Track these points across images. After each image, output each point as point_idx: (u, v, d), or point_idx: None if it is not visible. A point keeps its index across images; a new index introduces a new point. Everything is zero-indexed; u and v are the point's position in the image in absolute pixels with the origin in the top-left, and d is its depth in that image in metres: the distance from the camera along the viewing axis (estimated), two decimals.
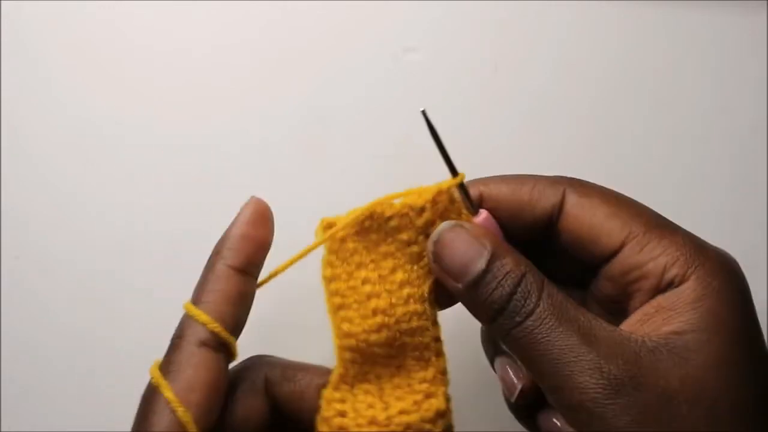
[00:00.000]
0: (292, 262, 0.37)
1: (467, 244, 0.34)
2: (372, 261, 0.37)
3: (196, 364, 0.34)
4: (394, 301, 0.36)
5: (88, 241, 0.48)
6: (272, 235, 0.37)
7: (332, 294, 0.37)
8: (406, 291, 0.36)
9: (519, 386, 0.36)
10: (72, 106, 0.49)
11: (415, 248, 0.36)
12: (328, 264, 0.37)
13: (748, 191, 0.50)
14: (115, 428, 0.42)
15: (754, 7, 0.50)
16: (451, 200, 0.37)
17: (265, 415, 0.37)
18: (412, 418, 0.36)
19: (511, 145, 0.50)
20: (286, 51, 0.50)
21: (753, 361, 0.31)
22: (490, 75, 0.50)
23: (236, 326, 0.36)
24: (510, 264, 0.33)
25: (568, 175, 0.37)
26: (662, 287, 0.33)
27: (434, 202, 0.36)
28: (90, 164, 0.49)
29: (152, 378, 0.35)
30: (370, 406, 0.37)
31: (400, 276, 0.36)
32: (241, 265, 0.36)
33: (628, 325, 0.33)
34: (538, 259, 0.34)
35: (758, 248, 0.49)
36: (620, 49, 0.50)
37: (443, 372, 0.37)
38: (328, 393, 0.37)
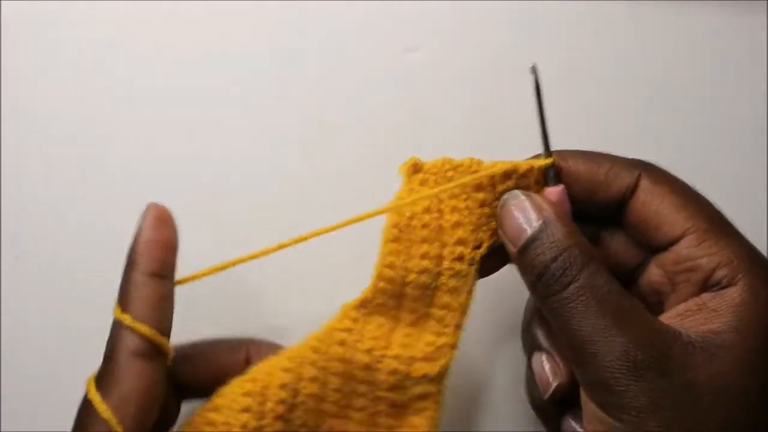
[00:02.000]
0: (359, 219, 0.39)
1: (526, 211, 0.36)
2: (438, 210, 0.38)
3: (130, 375, 0.36)
4: (445, 253, 0.38)
5: (88, 241, 0.48)
6: (176, 235, 0.38)
7: (392, 225, 0.38)
8: (459, 249, 0.38)
9: (554, 384, 0.37)
10: (72, 106, 0.49)
11: (486, 210, 0.38)
12: (399, 197, 0.39)
13: (748, 191, 0.50)
14: None
15: (754, 7, 0.50)
16: (537, 180, 0.38)
17: (163, 389, 0.38)
18: (401, 367, 0.38)
19: (512, 145, 0.50)
20: (286, 51, 0.50)
21: None
22: (491, 75, 0.50)
23: (165, 329, 0.37)
24: (559, 234, 0.34)
25: (644, 160, 0.38)
26: (710, 285, 0.34)
27: (522, 175, 0.38)
28: (91, 164, 0.49)
29: (87, 392, 0.36)
30: (374, 338, 0.38)
31: (459, 233, 0.38)
32: (156, 269, 0.37)
33: (668, 317, 0.34)
34: (602, 238, 0.37)
35: (758, 248, 0.49)
36: (620, 49, 0.50)
37: (453, 346, 0.38)
38: (346, 307, 0.39)
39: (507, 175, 0.38)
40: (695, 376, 0.31)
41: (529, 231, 0.35)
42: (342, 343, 0.38)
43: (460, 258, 0.38)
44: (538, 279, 0.34)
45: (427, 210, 0.38)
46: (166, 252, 0.38)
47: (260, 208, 0.49)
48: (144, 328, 0.36)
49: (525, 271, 0.35)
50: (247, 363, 0.40)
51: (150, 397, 0.36)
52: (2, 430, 0.49)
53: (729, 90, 0.50)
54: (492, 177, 0.38)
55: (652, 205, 0.36)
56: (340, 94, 0.49)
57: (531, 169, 0.38)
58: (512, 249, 0.36)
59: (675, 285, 0.35)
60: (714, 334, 0.32)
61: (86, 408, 0.36)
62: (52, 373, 0.48)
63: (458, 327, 0.38)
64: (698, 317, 0.33)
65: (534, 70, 0.38)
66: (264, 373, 0.38)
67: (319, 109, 0.49)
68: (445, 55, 0.50)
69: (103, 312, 0.48)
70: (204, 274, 0.39)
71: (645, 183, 0.36)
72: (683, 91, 0.50)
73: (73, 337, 0.48)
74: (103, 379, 0.36)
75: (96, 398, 0.35)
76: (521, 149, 0.50)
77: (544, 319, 0.38)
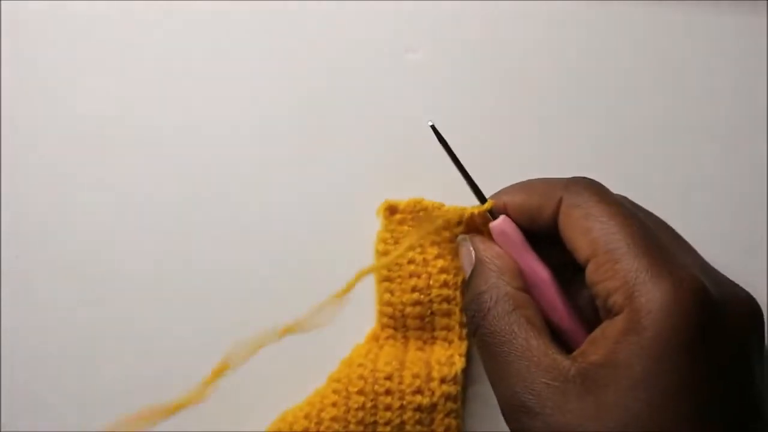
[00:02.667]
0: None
1: (465, 255, 0.39)
2: (420, 246, 0.43)
3: None
4: (431, 282, 0.42)
5: (88, 241, 0.48)
6: None
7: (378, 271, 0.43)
8: (443, 277, 0.43)
9: None
10: (73, 106, 0.49)
11: (455, 245, 0.42)
12: (382, 240, 0.44)
13: (748, 191, 0.50)
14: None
15: (754, 7, 0.50)
16: (483, 222, 0.41)
17: None
18: (422, 371, 0.42)
19: (512, 145, 0.50)
20: (286, 51, 0.50)
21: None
22: (491, 76, 0.50)
23: None
24: (478, 281, 0.37)
25: (580, 175, 0.38)
26: (607, 311, 0.33)
27: (469, 221, 0.41)
28: (91, 164, 0.49)
29: None
30: (389, 363, 0.42)
31: (441, 263, 0.43)
32: None
33: (586, 343, 0.33)
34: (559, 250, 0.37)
35: (758, 248, 0.49)
36: (620, 50, 0.50)
37: (462, 354, 0.43)
38: (359, 344, 0.44)
39: (458, 222, 0.41)
40: (565, 418, 0.30)
41: (467, 275, 0.39)
42: (360, 365, 0.42)
43: (445, 284, 0.43)
44: (469, 318, 0.37)
45: (410, 247, 0.43)
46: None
47: (260, 208, 0.49)
48: None
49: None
50: None
51: None
52: (2, 430, 0.48)
53: (729, 90, 0.50)
54: (447, 220, 0.42)
55: (567, 230, 0.36)
56: (340, 94, 0.49)
57: (472, 216, 0.41)
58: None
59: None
60: (594, 367, 0.31)
61: None
62: (52, 373, 0.48)
63: (462, 339, 0.43)
64: (594, 345, 0.32)
65: (433, 128, 0.39)
66: (285, 422, 0.42)
67: (319, 108, 0.49)
68: (445, 55, 0.50)
69: (103, 312, 0.48)
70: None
71: (563, 207, 0.36)
72: (683, 91, 0.50)
73: (73, 337, 0.48)
74: None
75: None
76: (521, 148, 0.50)
77: None
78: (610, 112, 0.50)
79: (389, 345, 0.43)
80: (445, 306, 0.43)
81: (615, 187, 0.50)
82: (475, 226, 0.41)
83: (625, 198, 0.39)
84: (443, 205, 0.43)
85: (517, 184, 0.40)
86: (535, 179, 0.39)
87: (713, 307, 0.31)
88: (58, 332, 0.48)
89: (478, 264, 0.37)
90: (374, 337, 0.44)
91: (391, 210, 0.44)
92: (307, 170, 0.49)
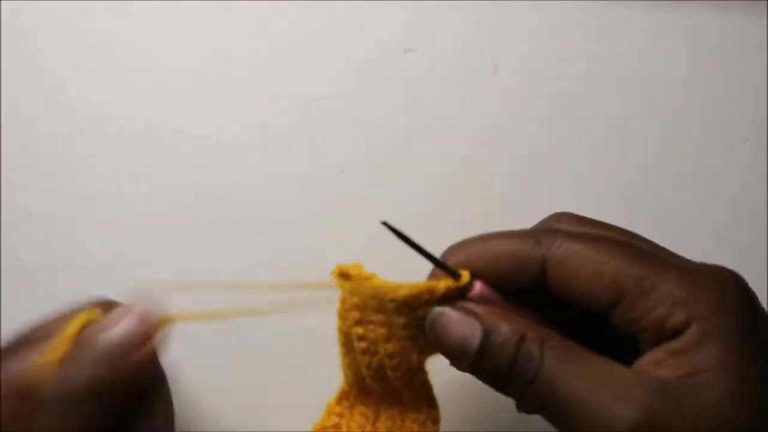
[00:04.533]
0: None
1: (459, 325, 0.34)
2: (370, 322, 0.37)
3: None
4: (385, 362, 0.37)
5: (88, 242, 0.48)
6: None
7: (338, 330, 0.38)
8: (394, 362, 0.37)
9: None
10: (72, 106, 0.49)
11: (410, 332, 0.36)
12: (340, 299, 0.37)
13: (748, 191, 0.50)
14: None
15: (754, 7, 0.50)
16: (454, 289, 0.36)
17: None
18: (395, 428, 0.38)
19: (511, 145, 0.50)
20: (286, 51, 0.50)
21: (766, 391, 0.31)
22: (490, 75, 0.50)
23: None
24: (505, 332, 0.33)
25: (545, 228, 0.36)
26: (666, 336, 0.32)
27: (444, 296, 0.35)
28: (91, 164, 0.49)
29: None
30: (362, 427, 0.39)
31: (392, 346, 0.37)
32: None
33: (639, 367, 0.33)
34: (545, 302, 0.35)
35: (758, 249, 0.49)
36: (620, 50, 0.50)
37: (435, 420, 0.38)
38: (330, 404, 0.39)
39: (426, 301, 0.35)
40: (682, 421, 0.30)
41: (476, 341, 0.33)
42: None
43: (396, 368, 0.37)
44: (507, 382, 0.33)
45: (359, 322, 0.37)
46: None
47: (259, 208, 0.49)
48: None
49: (490, 379, 0.34)
50: None
51: None
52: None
53: (729, 90, 0.50)
54: (408, 303, 0.35)
55: (569, 286, 0.34)
56: (340, 94, 0.49)
57: (448, 290, 0.35)
58: (465, 364, 0.34)
59: (635, 338, 0.34)
60: (687, 377, 0.31)
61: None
62: None
63: (432, 405, 0.38)
64: (667, 365, 0.32)
65: (386, 225, 0.35)
66: None
67: (319, 108, 0.49)
68: (444, 55, 0.50)
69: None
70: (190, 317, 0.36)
71: (552, 266, 0.34)
72: (683, 91, 0.50)
73: None
74: None
75: None
76: (522, 149, 0.50)
77: None
78: (609, 112, 0.50)
79: (360, 410, 0.39)
80: (406, 380, 0.37)
81: (614, 187, 0.50)
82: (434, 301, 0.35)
83: (592, 220, 0.37)
84: (400, 285, 0.36)
85: (474, 243, 0.36)
86: (495, 237, 0.36)
87: (745, 284, 0.33)
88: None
89: (491, 318, 0.33)
90: (344, 396, 0.40)
91: (344, 276, 0.37)
92: (306, 169, 0.49)
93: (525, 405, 0.34)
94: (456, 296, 0.35)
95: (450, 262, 0.35)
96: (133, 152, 0.49)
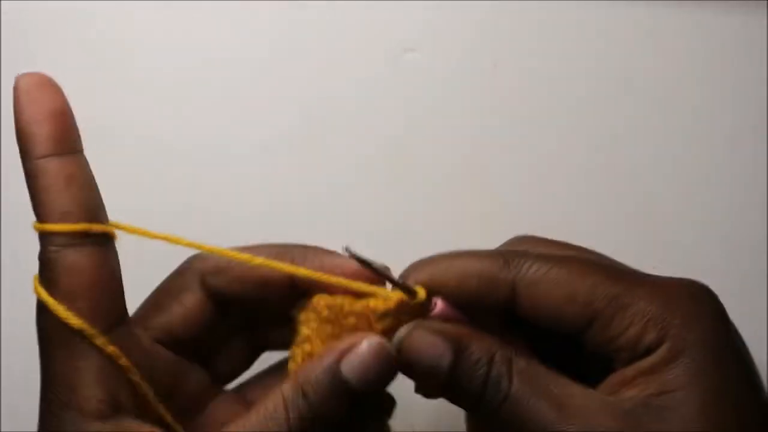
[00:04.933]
0: None
1: (428, 344, 0.33)
2: (320, 339, 0.36)
3: (68, 268, 0.33)
4: None
5: None
6: (64, 99, 0.34)
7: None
8: None
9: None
10: (72, 105, 0.49)
11: None
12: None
13: (748, 191, 0.50)
14: None
15: (754, 7, 0.50)
16: (413, 307, 0.35)
17: (207, 310, 0.37)
18: None
19: (511, 144, 0.50)
20: (285, 51, 0.50)
21: (742, 404, 0.31)
22: (490, 75, 0.50)
23: (86, 208, 0.34)
24: (477, 351, 0.33)
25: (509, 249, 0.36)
26: (640, 355, 0.32)
27: (396, 310, 0.35)
28: (90, 164, 0.49)
29: (34, 290, 0.34)
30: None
31: None
32: (52, 148, 0.33)
33: (608, 386, 0.32)
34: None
35: (758, 249, 0.49)
36: (620, 49, 0.50)
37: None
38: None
39: (383, 312, 0.35)
40: None
41: (446, 361, 0.33)
42: None
43: None
44: (478, 402, 0.33)
45: (307, 339, 0.36)
46: (62, 123, 0.34)
47: (259, 208, 0.49)
48: (64, 226, 0.33)
49: (461, 400, 0.34)
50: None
51: (102, 284, 0.34)
52: (2, 430, 0.49)
53: (729, 90, 0.50)
54: (365, 315, 0.35)
55: (541, 306, 0.33)
56: (340, 94, 0.49)
57: (405, 306, 0.35)
58: (433, 386, 0.34)
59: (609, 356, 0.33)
60: (655, 397, 0.31)
61: (40, 310, 0.34)
62: None
63: None
64: (635, 385, 0.32)
65: (347, 251, 0.34)
66: None
67: (319, 108, 0.49)
68: (444, 55, 0.50)
69: None
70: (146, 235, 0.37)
71: (523, 289, 0.33)
72: (683, 90, 0.50)
73: None
74: (44, 279, 0.34)
75: (42, 293, 0.33)
76: (521, 149, 0.50)
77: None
78: (609, 112, 0.50)
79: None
80: None
81: (614, 186, 0.50)
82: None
83: (554, 241, 0.37)
84: (355, 302, 0.36)
85: (439, 261, 0.35)
86: (462, 255, 0.35)
87: (716, 297, 0.33)
88: None
89: (463, 337, 0.33)
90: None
91: (303, 307, 0.37)
92: (306, 169, 0.49)
93: (495, 424, 0.33)
94: (418, 315, 0.35)
95: (412, 279, 0.35)
96: (132, 152, 0.49)
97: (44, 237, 0.34)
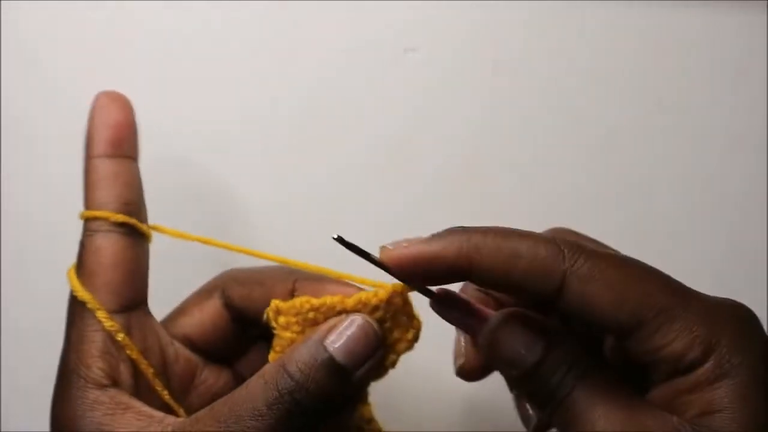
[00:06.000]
0: None
1: (523, 335, 0.34)
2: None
3: (92, 251, 0.38)
4: None
5: None
6: (132, 114, 0.39)
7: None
8: None
9: (458, 363, 0.36)
10: (72, 106, 0.49)
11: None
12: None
13: (748, 191, 0.50)
14: None
15: (754, 7, 0.50)
16: (405, 301, 0.36)
17: (224, 318, 0.40)
18: None
19: (511, 144, 0.50)
20: (286, 51, 0.50)
21: None
22: (491, 75, 0.50)
23: (129, 203, 0.38)
24: (562, 354, 0.33)
25: (563, 226, 0.36)
26: (681, 370, 0.32)
27: (388, 302, 0.36)
28: None
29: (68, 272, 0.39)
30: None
31: None
32: (111, 150, 0.38)
33: (654, 399, 0.33)
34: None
35: (758, 249, 0.49)
36: (620, 49, 0.50)
37: None
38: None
39: (375, 306, 0.36)
40: None
41: (532, 355, 0.33)
42: None
43: None
44: (545, 403, 0.33)
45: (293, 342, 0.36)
46: (120, 131, 0.39)
47: (259, 208, 0.49)
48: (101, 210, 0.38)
49: (532, 394, 0.34)
50: (292, 294, 0.40)
51: (122, 267, 0.38)
52: (2, 430, 0.49)
53: (729, 90, 0.50)
54: (357, 309, 0.36)
55: (588, 303, 0.33)
56: (340, 93, 0.49)
57: (397, 297, 0.36)
58: (509, 372, 0.34)
59: (647, 368, 0.34)
60: (703, 416, 0.31)
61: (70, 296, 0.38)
62: (52, 373, 0.48)
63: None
64: (680, 401, 0.32)
65: (338, 238, 0.35)
66: None
67: (319, 107, 0.49)
68: (444, 55, 0.50)
69: None
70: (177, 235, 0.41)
71: (573, 281, 0.32)
72: (683, 90, 0.50)
73: None
74: (77, 261, 0.39)
75: (70, 270, 0.38)
76: (521, 149, 0.50)
77: None
78: (609, 112, 0.50)
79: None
80: None
81: (613, 187, 0.50)
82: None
83: (589, 238, 0.37)
84: (345, 299, 0.36)
85: (492, 236, 0.33)
86: (517, 235, 0.33)
87: (759, 321, 0.33)
88: (59, 332, 0.48)
89: (555, 338, 0.33)
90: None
91: (277, 312, 0.37)
92: (306, 168, 0.49)
93: (555, 422, 0.34)
94: (405, 308, 0.36)
95: (456, 245, 0.33)
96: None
97: (84, 224, 0.38)
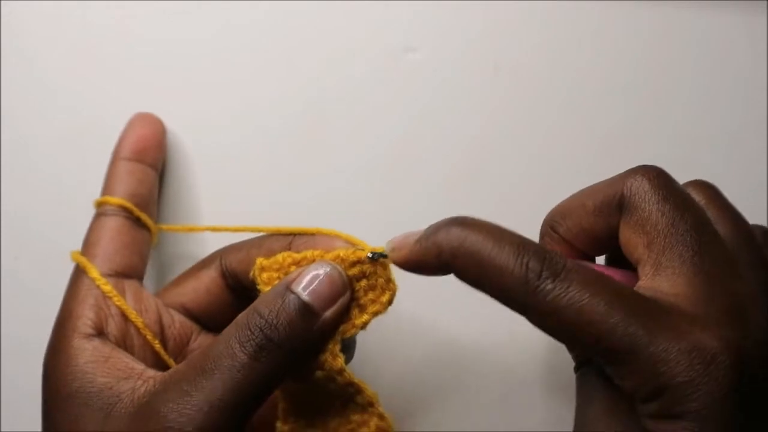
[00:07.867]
0: None
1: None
2: None
3: (96, 227, 0.42)
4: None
5: None
6: (162, 132, 0.46)
7: None
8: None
9: None
10: (72, 106, 0.49)
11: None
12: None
13: (748, 191, 0.50)
14: None
15: (754, 7, 0.50)
16: (383, 264, 0.38)
17: (219, 286, 0.42)
18: None
19: (512, 145, 0.50)
20: (286, 51, 0.50)
21: None
22: (491, 75, 0.50)
23: (137, 195, 0.43)
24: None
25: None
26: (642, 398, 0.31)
27: (366, 262, 0.37)
28: (90, 164, 0.49)
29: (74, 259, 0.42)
30: None
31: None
32: (134, 156, 0.44)
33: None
34: None
35: None
36: (620, 49, 0.50)
37: (381, 416, 0.38)
38: (278, 426, 0.39)
39: (353, 261, 0.37)
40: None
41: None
42: None
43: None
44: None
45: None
46: (145, 142, 0.44)
47: (259, 208, 0.49)
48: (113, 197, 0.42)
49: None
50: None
51: (119, 240, 0.41)
52: (2, 430, 0.49)
53: (729, 90, 0.50)
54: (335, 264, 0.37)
55: (549, 333, 0.32)
56: (340, 93, 0.49)
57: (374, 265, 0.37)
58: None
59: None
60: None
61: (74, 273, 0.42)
62: None
63: (369, 404, 0.38)
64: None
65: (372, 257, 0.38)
66: None
67: (319, 108, 0.49)
68: (444, 55, 0.50)
69: None
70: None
71: (534, 307, 0.32)
72: (683, 90, 0.50)
73: None
74: (82, 243, 0.42)
75: (74, 251, 0.42)
76: (522, 149, 0.50)
77: None
78: (609, 112, 0.50)
79: (308, 423, 0.39)
80: (327, 373, 0.37)
81: None
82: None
83: (674, 191, 0.38)
84: (325, 254, 0.38)
85: (470, 242, 0.33)
86: (486, 244, 0.33)
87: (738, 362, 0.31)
88: None
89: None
90: (286, 412, 0.39)
91: (262, 269, 0.38)
92: (306, 170, 0.49)
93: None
94: (382, 266, 0.37)
95: (432, 254, 0.34)
96: None
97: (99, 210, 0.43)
